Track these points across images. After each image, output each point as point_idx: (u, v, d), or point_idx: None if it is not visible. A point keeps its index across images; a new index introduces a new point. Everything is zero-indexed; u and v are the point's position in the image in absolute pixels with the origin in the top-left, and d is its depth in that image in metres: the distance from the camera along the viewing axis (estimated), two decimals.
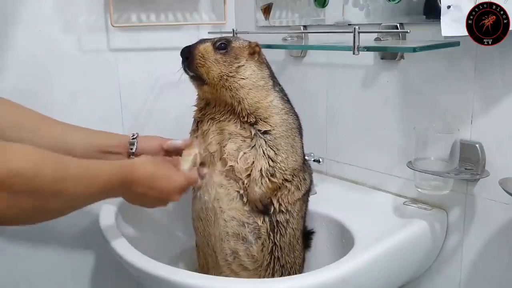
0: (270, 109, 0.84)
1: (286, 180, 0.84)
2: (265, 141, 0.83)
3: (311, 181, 0.93)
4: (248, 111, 0.83)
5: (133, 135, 0.90)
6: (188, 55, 0.82)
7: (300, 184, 0.87)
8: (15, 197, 0.53)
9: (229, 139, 0.84)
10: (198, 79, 0.84)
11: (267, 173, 0.82)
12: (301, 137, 0.89)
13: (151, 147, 0.89)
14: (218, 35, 0.91)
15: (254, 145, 0.83)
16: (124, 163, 0.74)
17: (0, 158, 0.52)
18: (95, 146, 0.85)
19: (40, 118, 0.84)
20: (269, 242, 0.85)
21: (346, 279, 0.73)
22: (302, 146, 0.89)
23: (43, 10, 1.03)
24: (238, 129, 0.84)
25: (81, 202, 0.65)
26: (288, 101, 0.88)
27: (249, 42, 0.87)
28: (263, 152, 0.82)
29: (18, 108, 0.82)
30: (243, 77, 0.82)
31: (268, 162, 0.82)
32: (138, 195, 0.73)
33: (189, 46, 0.84)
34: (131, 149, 0.87)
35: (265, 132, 0.83)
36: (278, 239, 0.86)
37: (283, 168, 0.83)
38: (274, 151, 0.83)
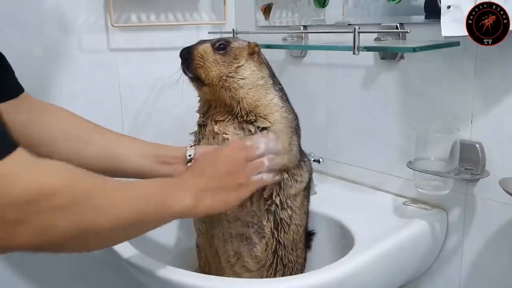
0: (270, 107, 0.83)
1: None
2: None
3: (310, 178, 0.93)
4: (247, 110, 0.82)
5: (190, 146, 0.84)
6: (187, 56, 0.82)
7: (296, 179, 0.86)
8: (50, 217, 0.48)
9: (223, 141, 0.83)
10: (197, 80, 0.83)
11: None
12: (299, 138, 0.89)
13: None
14: (218, 35, 0.91)
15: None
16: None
17: (30, 175, 0.47)
18: (149, 155, 0.80)
19: (92, 126, 0.81)
20: (273, 241, 0.85)
21: (346, 279, 0.73)
22: (299, 146, 0.88)
23: (43, 10, 1.03)
24: (235, 131, 0.83)
25: (128, 217, 0.56)
26: (287, 100, 0.88)
27: (248, 42, 0.87)
28: None
29: (70, 116, 0.81)
30: (242, 77, 0.82)
31: None
32: (208, 177, 0.67)
33: (188, 47, 0.84)
34: (190, 155, 0.81)
35: (264, 129, 0.82)
36: (282, 236, 0.85)
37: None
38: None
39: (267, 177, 0.76)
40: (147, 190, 0.61)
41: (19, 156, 0.47)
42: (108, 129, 0.83)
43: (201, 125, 0.89)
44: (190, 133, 0.91)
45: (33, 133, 0.76)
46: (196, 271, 0.96)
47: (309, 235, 0.96)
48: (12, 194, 0.45)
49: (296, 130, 0.87)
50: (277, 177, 0.81)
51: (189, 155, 0.81)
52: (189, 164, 0.80)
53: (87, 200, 0.51)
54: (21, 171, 0.46)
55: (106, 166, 0.78)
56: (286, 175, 0.84)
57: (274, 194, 0.84)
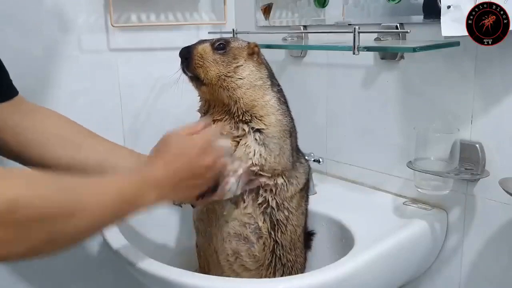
0: (266, 108, 0.83)
1: (265, 175, 0.83)
2: (256, 139, 0.82)
3: (308, 179, 0.93)
4: (244, 109, 0.82)
5: None
6: (187, 56, 0.82)
7: (292, 181, 0.86)
8: (22, 229, 0.47)
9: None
10: (196, 79, 0.84)
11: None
12: (295, 140, 0.89)
13: None
14: (218, 36, 0.91)
15: (245, 143, 0.82)
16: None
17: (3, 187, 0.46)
18: (140, 163, 0.79)
19: (86, 133, 0.81)
20: (271, 241, 0.85)
21: (346, 279, 0.73)
22: (294, 148, 0.88)
23: (43, 10, 1.03)
24: (230, 130, 0.83)
25: (102, 220, 0.58)
26: (285, 102, 0.88)
27: (248, 42, 0.87)
28: (250, 151, 0.82)
29: (64, 120, 0.81)
30: (240, 77, 0.82)
31: (252, 160, 0.81)
32: (173, 172, 0.67)
33: (188, 46, 0.84)
34: None
35: (258, 130, 0.82)
36: (279, 237, 0.86)
37: (266, 166, 0.83)
38: (263, 148, 0.82)
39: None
40: (119, 191, 0.60)
41: None
42: (102, 138, 0.82)
43: None
44: None
45: (26, 136, 0.76)
46: (196, 271, 0.96)
47: (309, 235, 0.96)
48: None
49: (290, 133, 0.87)
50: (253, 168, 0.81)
51: None
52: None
53: (59, 208, 0.51)
54: None
55: (93, 171, 0.77)
56: (281, 180, 0.84)
57: (270, 198, 0.84)
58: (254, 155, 0.81)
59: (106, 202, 0.58)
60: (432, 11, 0.86)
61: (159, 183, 0.65)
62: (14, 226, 0.46)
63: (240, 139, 0.83)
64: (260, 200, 0.84)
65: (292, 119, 0.88)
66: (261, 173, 0.82)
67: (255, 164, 0.81)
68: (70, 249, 0.56)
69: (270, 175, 0.83)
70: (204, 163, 0.71)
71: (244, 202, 0.84)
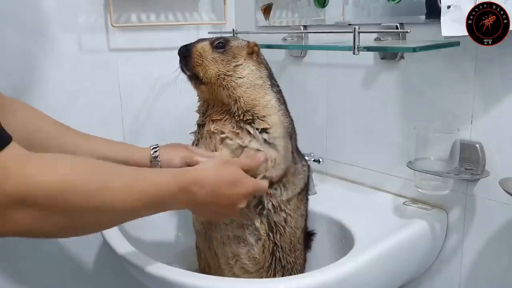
0: (268, 108, 0.83)
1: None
2: (265, 140, 0.81)
3: (308, 181, 0.93)
4: (244, 109, 0.82)
5: (154, 149, 0.83)
6: (186, 54, 0.82)
7: (287, 187, 0.86)
8: (43, 213, 0.49)
9: (221, 143, 0.83)
10: (195, 78, 0.83)
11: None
12: (295, 141, 0.89)
13: (175, 161, 0.83)
14: (218, 35, 0.91)
15: (251, 142, 0.81)
16: (180, 171, 0.69)
17: (21, 171, 0.47)
18: (114, 156, 0.79)
19: (58, 126, 0.80)
20: (270, 243, 0.85)
21: (346, 279, 0.73)
22: (293, 150, 0.88)
23: (43, 10, 1.03)
24: (234, 130, 0.83)
25: (124, 216, 0.60)
26: (284, 103, 0.87)
27: (248, 41, 0.87)
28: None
29: (39, 115, 0.80)
30: (240, 76, 0.82)
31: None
32: (202, 204, 0.68)
33: (187, 44, 0.83)
34: (154, 157, 0.82)
35: (263, 130, 0.82)
36: (278, 239, 0.85)
37: (277, 167, 0.82)
38: (273, 149, 0.82)
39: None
40: (156, 187, 0.62)
41: (14, 149, 0.47)
42: (74, 129, 0.82)
43: (200, 125, 0.88)
44: (190, 133, 0.91)
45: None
46: (196, 271, 0.95)
47: (309, 235, 0.96)
48: (6, 187, 0.45)
49: (291, 134, 0.87)
50: (274, 172, 0.82)
51: (154, 157, 0.82)
52: (154, 162, 0.82)
53: (86, 199, 0.52)
54: (15, 164, 0.47)
55: None
56: (275, 185, 0.84)
57: (266, 201, 0.83)
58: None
59: (136, 203, 0.59)
60: (432, 11, 0.86)
61: (175, 204, 0.68)
62: (34, 209, 0.48)
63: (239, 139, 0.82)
64: (255, 201, 0.83)
65: (291, 120, 0.88)
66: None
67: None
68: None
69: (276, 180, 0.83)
70: (232, 198, 0.72)
71: None
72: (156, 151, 0.83)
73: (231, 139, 0.82)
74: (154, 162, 0.82)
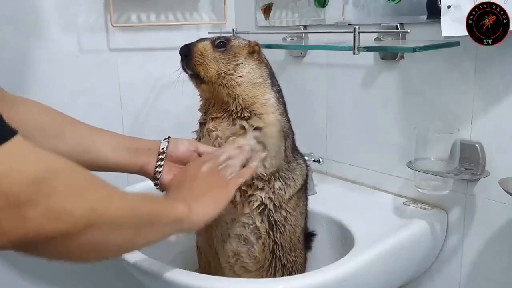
0: (266, 107, 0.83)
1: (261, 179, 0.83)
2: (256, 137, 0.81)
3: (305, 179, 0.92)
4: (243, 106, 0.82)
5: (165, 139, 0.85)
6: (187, 53, 0.82)
7: (289, 184, 0.86)
8: (58, 199, 0.48)
9: (215, 139, 0.84)
10: (196, 77, 0.83)
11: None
12: (293, 141, 0.89)
13: (183, 150, 0.83)
14: (219, 35, 0.91)
15: (240, 136, 0.81)
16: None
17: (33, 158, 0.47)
18: (121, 148, 0.81)
19: (69, 121, 0.81)
20: (270, 241, 0.85)
21: (346, 279, 0.73)
22: (291, 149, 0.88)
23: (43, 10, 1.03)
24: (228, 127, 0.83)
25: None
26: (283, 103, 0.87)
27: (249, 41, 0.87)
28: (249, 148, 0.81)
29: (44, 109, 0.80)
30: (240, 75, 0.82)
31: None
32: (187, 183, 0.72)
33: (188, 44, 0.84)
34: (163, 148, 0.82)
35: (257, 128, 0.82)
36: (278, 237, 0.85)
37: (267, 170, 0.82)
38: (262, 147, 0.82)
39: (243, 173, 0.77)
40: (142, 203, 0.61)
41: (19, 142, 0.47)
42: (80, 122, 0.82)
43: (202, 123, 0.89)
44: (193, 131, 0.92)
45: None
46: (196, 271, 0.96)
47: (309, 236, 0.96)
48: (17, 176, 0.45)
49: (287, 134, 0.86)
50: (260, 170, 0.81)
51: (162, 148, 0.81)
52: (160, 156, 0.81)
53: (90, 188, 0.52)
54: (23, 155, 0.46)
55: (78, 159, 0.77)
56: (278, 183, 0.84)
57: (267, 201, 0.83)
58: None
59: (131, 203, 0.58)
60: (433, 10, 0.86)
61: (176, 198, 0.70)
62: (53, 195, 0.47)
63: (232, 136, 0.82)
64: (255, 200, 0.83)
65: (289, 120, 0.88)
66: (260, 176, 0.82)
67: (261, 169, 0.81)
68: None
69: (266, 178, 0.83)
70: (203, 168, 0.73)
71: (241, 202, 0.84)
72: (166, 139, 0.84)
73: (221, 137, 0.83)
74: (162, 148, 0.82)
